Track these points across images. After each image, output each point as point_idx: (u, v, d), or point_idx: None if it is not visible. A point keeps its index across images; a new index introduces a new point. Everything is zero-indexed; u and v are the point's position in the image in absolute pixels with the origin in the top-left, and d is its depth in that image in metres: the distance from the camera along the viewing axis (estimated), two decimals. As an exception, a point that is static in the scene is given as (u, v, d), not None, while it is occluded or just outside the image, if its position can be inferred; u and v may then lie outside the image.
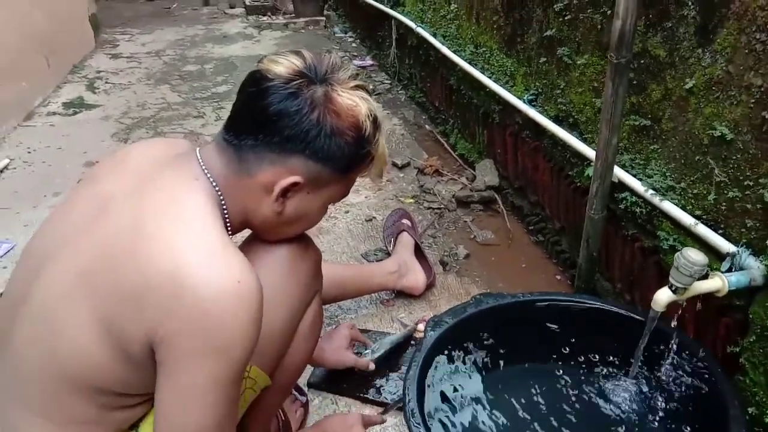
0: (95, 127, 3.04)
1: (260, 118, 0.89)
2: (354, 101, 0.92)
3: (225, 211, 0.94)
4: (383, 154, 1.00)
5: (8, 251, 2.02)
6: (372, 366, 1.47)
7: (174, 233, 0.83)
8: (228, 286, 0.80)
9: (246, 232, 1.06)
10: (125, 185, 0.92)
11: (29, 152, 2.76)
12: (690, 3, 1.25)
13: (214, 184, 0.92)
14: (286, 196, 0.94)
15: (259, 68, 0.93)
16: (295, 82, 0.89)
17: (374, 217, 2.22)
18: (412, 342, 1.61)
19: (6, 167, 2.58)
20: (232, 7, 5.70)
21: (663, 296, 1.10)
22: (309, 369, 1.53)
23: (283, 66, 0.91)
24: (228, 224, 0.94)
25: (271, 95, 0.89)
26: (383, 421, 1.38)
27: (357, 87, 0.94)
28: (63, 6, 3.80)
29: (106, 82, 3.68)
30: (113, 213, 0.88)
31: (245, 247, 1.06)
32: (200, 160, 0.93)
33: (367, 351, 1.52)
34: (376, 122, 0.96)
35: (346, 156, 0.93)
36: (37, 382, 0.88)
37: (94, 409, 0.87)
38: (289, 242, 1.05)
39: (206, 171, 0.92)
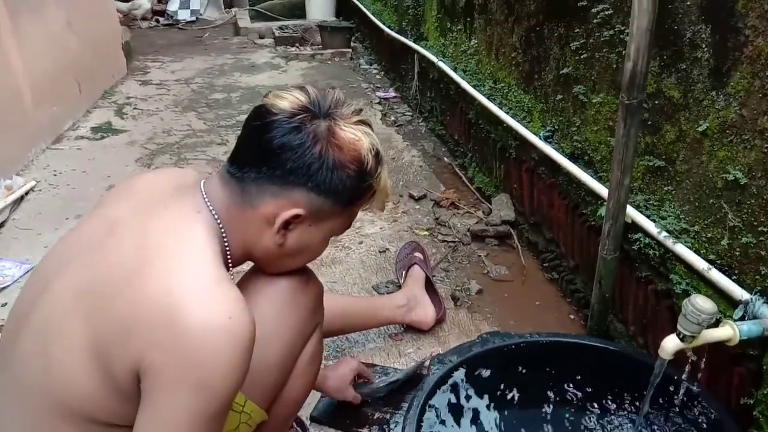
0: (120, 152, 3.11)
1: (264, 151, 0.91)
2: (356, 135, 0.93)
3: (226, 244, 0.94)
4: (385, 188, 1.01)
5: (27, 272, 2.05)
6: (358, 399, 1.46)
7: (171, 265, 0.84)
8: (219, 321, 0.79)
9: (248, 265, 1.07)
10: (130, 213, 0.93)
11: (55, 175, 2.83)
12: (704, 45, 1.24)
13: (215, 216, 0.93)
14: (287, 229, 0.95)
15: (264, 103, 0.94)
16: (298, 117, 0.91)
17: (388, 249, 2.22)
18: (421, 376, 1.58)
19: (32, 189, 2.65)
20: (261, 38, 5.82)
21: (670, 344, 1.07)
22: (312, 402, 1.52)
23: (287, 101, 0.92)
24: (229, 256, 0.95)
25: (275, 129, 0.90)
26: None
27: (360, 122, 0.95)
28: (98, 33, 3.93)
29: (135, 108, 3.77)
30: (117, 239, 0.89)
31: (247, 279, 1.07)
32: (203, 193, 0.95)
33: (369, 386, 1.51)
34: (378, 156, 0.97)
35: (348, 189, 0.94)
36: (30, 404, 0.88)
37: None
38: (290, 275, 1.05)
39: (209, 203, 0.93)
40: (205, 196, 0.94)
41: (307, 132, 0.90)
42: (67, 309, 0.86)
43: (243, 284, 1.05)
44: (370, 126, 0.97)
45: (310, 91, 0.94)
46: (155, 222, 0.90)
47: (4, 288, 1.99)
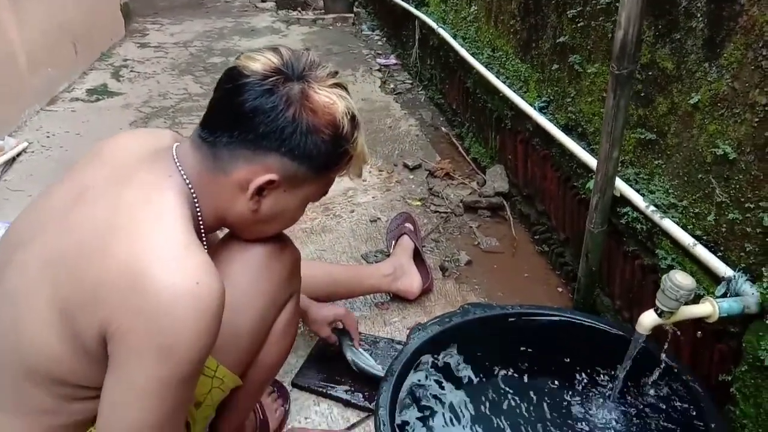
0: (115, 115, 3.08)
1: (235, 115, 0.88)
2: (331, 99, 0.91)
3: (198, 209, 0.93)
4: (362, 153, 0.98)
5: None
6: (332, 339, 1.49)
7: (140, 230, 0.83)
8: (185, 287, 0.78)
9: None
10: (102, 178, 0.92)
11: (48, 137, 2.81)
12: (699, 15, 1.20)
13: (187, 181, 0.91)
14: (261, 195, 0.93)
15: (236, 65, 0.92)
16: (271, 79, 0.88)
17: (379, 218, 2.20)
18: (397, 345, 1.59)
19: (24, 150, 2.63)
20: (263, 1, 5.72)
21: (648, 319, 1.06)
22: (295, 368, 1.53)
23: (259, 63, 0.90)
24: (201, 223, 0.94)
25: (247, 92, 0.88)
26: None
27: (335, 85, 0.93)
28: (95, -6, 3.87)
29: (131, 71, 3.73)
30: (87, 205, 0.88)
31: (221, 245, 1.05)
32: (175, 158, 0.93)
33: (350, 344, 1.50)
34: (354, 120, 0.94)
35: (323, 154, 0.92)
36: (2, 371, 0.88)
37: (52, 400, 0.87)
38: (265, 242, 1.04)
39: (180, 168, 0.92)
40: (177, 160, 0.92)
41: (279, 95, 0.88)
42: (36, 275, 0.85)
43: (217, 250, 1.03)
44: (345, 89, 0.94)
45: (284, 52, 0.92)
46: (125, 187, 0.88)
47: (-7, 249, 1.99)
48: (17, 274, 0.87)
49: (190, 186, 0.91)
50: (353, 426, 1.40)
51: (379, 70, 3.79)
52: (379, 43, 4.43)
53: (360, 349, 1.51)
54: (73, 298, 0.81)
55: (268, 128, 0.88)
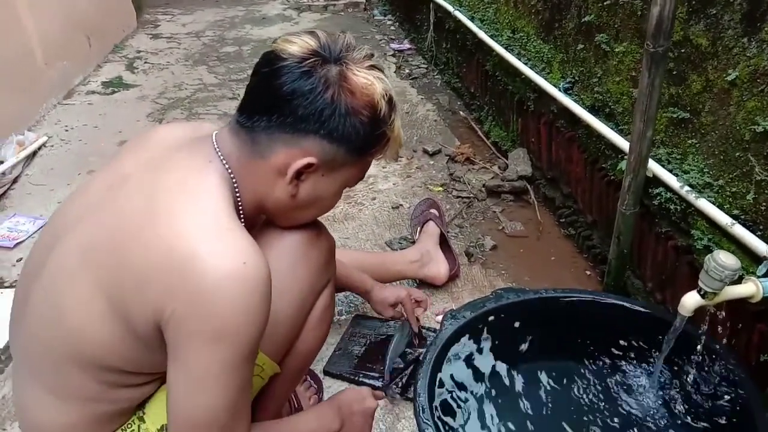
0: (132, 107, 3.08)
1: (273, 98, 0.87)
2: (369, 80, 0.89)
3: (238, 195, 0.92)
4: (399, 136, 0.97)
5: (41, 227, 2.06)
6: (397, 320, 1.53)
7: (183, 214, 0.83)
8: (233, 268, 0.79)
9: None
10: (141, 166, 0.92)
11: (67, 130, 2.81)
12: (736, -12, 1.18)
13: (227, 167, 0.91)
14: (300, 179, 0.92)
15: (273, 48, 0.91)
16: (309, 61, 0.87)
17: (401, 205, 2.19)
18: (431, 333, 1.58)
19: (44, 144, 2.64)
20: (273, -12, 5.68)
21: (690, 301, 1.04)
22: (326, 356, 1.52)
23: (297, 45, 0.89)
24: (240, 208, 0.93)
25: (285, 74, 0.87)
26: (385, 396, 1.40)
27: (372, 67, 0.92)
28: (106, -14, 3.85)
29: (146, 62, 3.72)
30: (127, 192, 0.88)
31: (257, 233, 1.05)
32: (215, 143, 0.92)
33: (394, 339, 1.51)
34: (391, 102, 0.93)
35: (362, 136, 0.91)
36: (45, 356, 0.89)
37: (98, 386, 0.88)
38: (302, 229, 1.03)
39: (220, 154, 0.91)
40: (216, 146, 0.92)
41: (318, 77, 0.87)
42: (78, 262, 0.86)
43: (254, 238, 1.03)
44: (382, 71, 0.93)
45: (320, 35, 0.90)
46: (166, 174, 0.88)
47: (19, 243, 2.00)
48: (60, 260, 0.88)
49: (230, 171, 0.90)
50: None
51: (393, 56, 3.76)
52: (392, 28, 4.39)
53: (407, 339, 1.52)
54: (120, 282, 0.82)
55: (306, 110, 0.87)
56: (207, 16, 4.81)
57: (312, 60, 0.87)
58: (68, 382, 0.88)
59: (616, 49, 1.61)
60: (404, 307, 1.51)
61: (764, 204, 1.16)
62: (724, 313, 1.11)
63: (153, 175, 0.89)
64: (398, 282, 1.76)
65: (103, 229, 0.86)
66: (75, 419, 0.90)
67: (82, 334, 0.84)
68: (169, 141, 0.97)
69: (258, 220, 1.05)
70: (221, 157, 0.91)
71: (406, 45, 3.92)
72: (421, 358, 1.21)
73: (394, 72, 3.49)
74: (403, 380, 1.45)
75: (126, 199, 0.87)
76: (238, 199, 0.93)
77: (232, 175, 0.91)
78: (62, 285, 0.86)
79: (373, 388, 1.44)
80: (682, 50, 1.34)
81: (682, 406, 1.19)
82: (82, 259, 0.85)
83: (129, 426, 0.95)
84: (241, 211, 0.93)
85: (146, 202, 0.85)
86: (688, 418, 1.18)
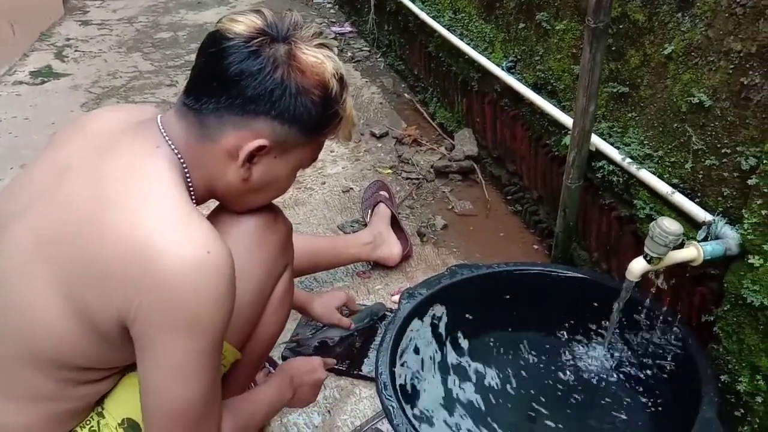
0: (64, 97, 2.94)
1: (221, 80, 0.86)
2: (319, 59, 0.89)
3: (188, 180, 0.90)
4: (351, 115, 0.97)
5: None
6: (352, 325, 1.51)
7: (137, 202, 0.81)
8: (198, 257, 0.78)
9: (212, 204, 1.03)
10: (83, 152, 0.88)
11: (-6, 123, 2.67)
12: (670, -35, 1.22)
13: (176, 151, 0.88)
14: (252, 162, 0.90)
15: (218, 28, 0.88)
16: (256, 41, 0.86)
17: (351, 188, 2.19)
18: (388, 312, 1.60)
19: (-30, 138, 2.49)
20: (206, -27, 5.51)
21: (637, 266, 1.09)
22: (283, 342, 1.52)
23: (243, 24, 0.87)
24: (192, 193, 0.91)
25: (232, 55, 0.85)
26: (336, 363, 1.45)
27: (321, 45, 0.91)
28: (28, -30, 3.65)
29: (76, 50, 3.55)
30: (72, 181, 0.85)
31: (211, 219, 1.03)
32: (161, 127, 0.89)
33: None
34: (342, 81, 0.93)
35: (314, 116, 0.90)
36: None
37: (55, 384, 0.85)
38: (257, 213, 1.02)
39: (167, 138, 0.89)
40: (163, 130, 0.89)
41: (266, 56, 0.85)
42: (28, 257, 0.82)
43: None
44: (331, 49, 0.92)
45: (267, 13, 0.89)
46: (112, 161, 0.85)
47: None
48: (7, 254, 0.83)
49: (179, 156, 0.88)
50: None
51: (334, 38, 3.72)
52: (332, 11, 4.34)
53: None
54: (78, 277, 0.79)
55: (255, 91, 0.85)
56: (139, 2, 4.62)
57: (259, 39, 0.86)
58: (21, 383, 0.85)
59: (557, 27, 1.65)
60: (349, 306, 1.55)
61: (701, 172, 1.22)
62: (666, 279, 1.16)
63: (98, 163, 0.85)
64: (353, 265, 1.77)
65: (52, 221, 0.82)
66: (29, 420, 0.86)
67: (36, 332, 0.81)
68: (110, 126, 0.93)
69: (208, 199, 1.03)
70: (169, 141, 0.88)
71: (347, 28, 3.89)
72: (378, 338, 1.22)
73: (337, 55, 3.45)
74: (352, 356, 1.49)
75: (73, 190, 0.84)
76: (190, 184, 0.90)
77: (181, 160, 0.89)
78: (11, 280, 0.82)
79: (334, 371, 1.45)
80: (621, 26, 1.39)
81: (633, 369, 1.25)
82: (33, 253, 0.81)
83: (87, 423, 0.92)
84: (193, 197, 0.91)
85: (95, 192, 0.82)
86: (640, 378, 1.24)
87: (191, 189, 0.91)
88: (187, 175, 0.90)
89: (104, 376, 0.90)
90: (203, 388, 0.82)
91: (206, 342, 0.80)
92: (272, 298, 1.06)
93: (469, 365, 1.30)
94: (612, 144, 1.45)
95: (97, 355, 0.83)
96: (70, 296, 0.79)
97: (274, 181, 0.96)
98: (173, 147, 0.88)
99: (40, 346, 0.82)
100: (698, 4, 1.16)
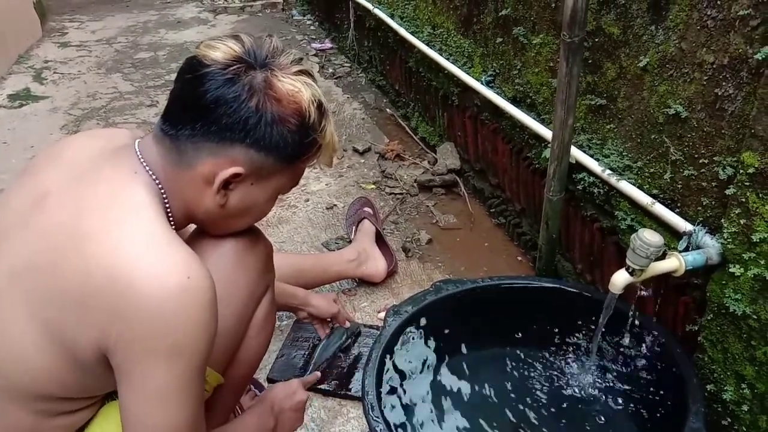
0: (43, 120, 2.92)
1: (197, 107, 0.85)
2: (296, 87, 0.88)
3: (167, 205, 0.89)
4: (332, 142, 0.96)
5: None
6: (317, 376, 1.45)
7: (115, 229, 0.80)
8: (178, 283, 0.77)
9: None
10: (61, 180, 0.87)
11: (-29, 147, 2.64)
12: (642, -21, 1.24)
13: (154, 177, 0.88)
14: (228, 188, 0.90)
15: (196, 54, 0.88)
16: (232, 68, 0.85)
17: (335, 205, 2.18)
18: (373, 329, 1.58)
19: (-53, 164, 2.46)
20: (186, -9, 5.52)
21: (620, 279, 1.09)
22: (269, 364, 1.50)
23: (220, 51, 0.86)
24: (171, 219, 0.90)
25: (208, 82, 0.84)
26: (318, 378, 1.43)
27: (300, 72, 0.90)
28: (4, -7, 3.63)
29: (55, 72, 3.53)
30: (50, 210, 0.84)
31: (191, 242, 1.02)
32: (138, 153, 0.89)
33: (323, 342, 1.52)
34: (321, 108, 0.92)
35: (290, 144, 0.89)
36: None
37: (31, 417, 0.83)
38: (237, 236, 1.01)
39: (145, 164, 0.88)
40: (140, 156, 0.88)
41: (242, 84, 0.85)
42: (2, 286, 0.81)
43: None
44: (311, 76, 0.92)
45: (245, 39, 0.88)
46: (90, 189, 0.84)
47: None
48: None
49: (157, 182, 0.87)
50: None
51: (315, 55, 3.73)
52: (312, 27, 4.36)
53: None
54: (54, 306, 0.78)
55: (231, 119, 0.85)
56: (118, 22, 4.62)
57: (236, 67, 0.85)
58: None
59: (534, 41, 1.66)
60: (338, 316, 1.53)
61: (680, 182, 1.23)
62: (650, 290, 1.16)
63: (76, 190, 0.84)
64: (338, 282, 1.76)
65: (29, 250, 0.81)
66: (5, 455, 0.84)
67: (12, 363, 0.79)
68: (88, 152, 0.92)
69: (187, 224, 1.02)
70: (147, 168, 0.88)
71: (328, 44, 3.90)
72: (364, 357, 1.21)
73: (318, 72, 3.47)
74: (339, 376, 1.47)
75: (51, 219, 0.82)
76: (168, 209, 0.90)
77: (160, 186, 0.88)
78: None
79: (320, 392, 1.43)
80: (596, 39, 1.40)
81: (619, 380, 1.25)
82: (9, 283, 0.80)
83: (67, 455, 0.90)
84: (172, 222, 0.90)
85: (73, 220, 0.81)
86: (626, 389, 1.23)
87: (170, 214, 0.90)
88: (166, 200, 0.89)
89: (82, 406, 0.88)
90: (187, 415, 0.81)
91: (189, 368, 0.79)
92: (254, 320, 1.04)
93: (457, 381, 1.30)
94: (592, 156, 1.46)
95: (74, 384, 0.82)
96: (46, 325, 0.78)
97: (253, 207, 0.95)
98: (151, 173, 0.87)
99: (15, 377, 0.80)
100: (671, 17, 1.18)
